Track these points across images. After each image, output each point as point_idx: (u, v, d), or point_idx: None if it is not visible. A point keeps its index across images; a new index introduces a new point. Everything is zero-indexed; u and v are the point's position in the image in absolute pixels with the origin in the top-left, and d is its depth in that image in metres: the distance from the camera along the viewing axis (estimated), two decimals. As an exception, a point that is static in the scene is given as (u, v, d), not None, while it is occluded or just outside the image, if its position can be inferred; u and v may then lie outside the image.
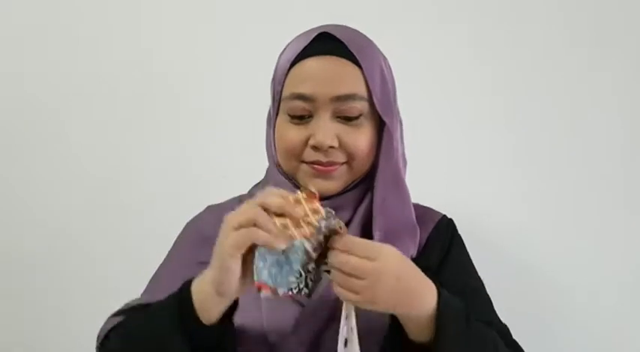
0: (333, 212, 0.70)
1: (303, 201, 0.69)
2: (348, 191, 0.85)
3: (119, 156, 1.41)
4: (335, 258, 0.67)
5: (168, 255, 0.93)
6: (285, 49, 0.87)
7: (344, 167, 0.83)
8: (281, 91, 0.84)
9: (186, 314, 0.71)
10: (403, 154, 0.89)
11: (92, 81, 1.43)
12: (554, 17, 1.34)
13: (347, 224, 0.84)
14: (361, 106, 0.81)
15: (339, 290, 0.67)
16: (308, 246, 0.68)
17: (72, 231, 1.43)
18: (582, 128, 1.33)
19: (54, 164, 1.44)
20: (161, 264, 0.92)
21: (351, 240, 0.68)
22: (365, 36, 0.87)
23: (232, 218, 0.68)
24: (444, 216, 0.93)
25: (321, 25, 0.86)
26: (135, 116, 1.42)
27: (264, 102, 0.90)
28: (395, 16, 1.35)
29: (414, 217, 0.86)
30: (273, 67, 0.88)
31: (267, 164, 0.92)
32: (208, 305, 0.71)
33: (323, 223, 0.68)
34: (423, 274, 0.72)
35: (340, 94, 0.80)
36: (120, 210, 1.41)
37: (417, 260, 0.84)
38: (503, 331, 0.83)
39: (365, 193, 0.86)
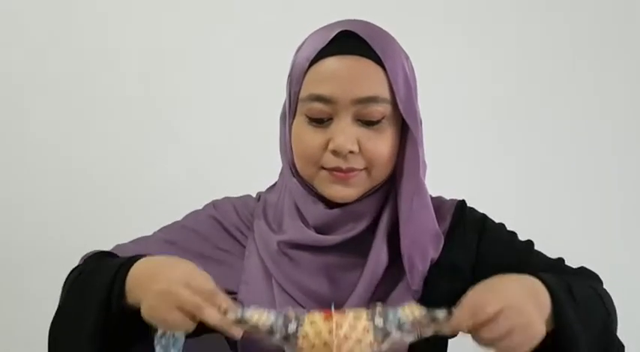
0: (377, 309, 0.66)
1: (321, 323, 0.63)
2: (366, 197, 0.81)
3: (120, 157, 1.42)
4: (476, 334, 0.66)
5: (183, 220, 0.90)
6: (302, 45, 0.82)
7: (363, 173, 0.79)
8: (299, 92, 0.79)
9: (113, 296, 0.71)
10: (423, 157, 0.84)
11: (93, 80, 1.43)
12: (552, 17, 1.35)
13: (372, 231, 0.81)
14: (384, 109, 0.77)
15: None
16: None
17: (71, 232, 1.43)
18: (579, 127, 1.35)
19: (55, 165, 1.44)
20: (173, 223, 0.90)
21: (469, 314, 0.65)
22: (387, 33, 0.82)
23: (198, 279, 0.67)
24: (456, 203, 0.89)
25: (340, 20, 0.81)
26: (134, 116, 1.43)
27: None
28: (394, 15, 1.36)
29: (436, 224, 0.82)
30: (288, 64, 0.83)
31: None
32: (132, 298, 0.70)
33: (392, 318, 0.65)
34: (527, 280, 0.71)
35: (362, 97, 0.76)
36: (121, 211, 1.42)
37: (439, 259, 0.82)
38: (568, 268, 0.84)
39: (385, 200, 0.82)
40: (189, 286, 0.65)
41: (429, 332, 0.65)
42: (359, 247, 0.81)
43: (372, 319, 0.64)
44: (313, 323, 0.63)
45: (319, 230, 0.81)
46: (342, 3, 1.26)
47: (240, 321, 0.64)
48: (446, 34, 1.41)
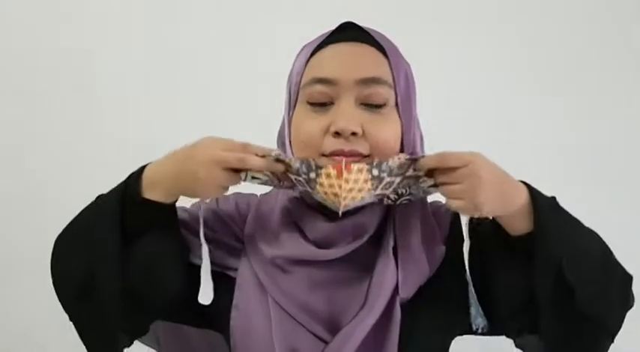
0: (374, 161, 0.72)
1: (334, 176, 0.71)
2: (368, 207, 0.77)
3: (122, 156, 1.40)
4: (437, 178, 0.71)
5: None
6: (304, 46, 0.80)
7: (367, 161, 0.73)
8: (300, 81, 0.77)
9: (130, 189, 0.73)
10: None
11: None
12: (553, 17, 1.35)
13: (373, 245, 0.77)
14: (387, 93, 0.74)
15: (449, 201, 0.70)
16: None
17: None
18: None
19: (55, 163, 1.44)
20: None
21: (437, 157, 0.70)
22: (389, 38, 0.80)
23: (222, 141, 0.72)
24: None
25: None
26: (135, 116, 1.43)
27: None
28: (394, 18, 1.36)
29: (437, 235, 0.80)
30: (289, 68, 0.81)
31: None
32: (157, 189, 0.73)
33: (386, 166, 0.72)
34: (511, 176, 0.73)
35: (365, 77, 0.73)
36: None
37: (440, 268, 0.78)
38: None
39: (387, 212, 0.79)
40: (225, 148, 0.71)
41: (410, 172, 0.73)
42: (360, 261, 0.77)
43: (371, 171, 0.72)
44: (328, 177, 0.71)
45: (318, 244, 0.77)
46: (342, 5, 1.27)
47: (277, 160, 0.73)
48: (445, 34, 1.41)
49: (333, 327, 0.75)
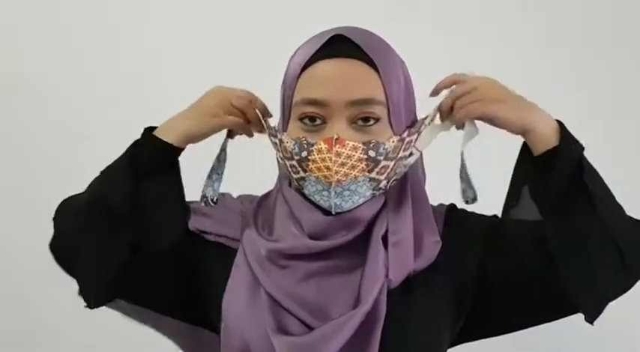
0: (371, 143, 0.75)
1: (326, 151, 0.74)
2: (365, 202, 0.80)
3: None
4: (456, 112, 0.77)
5: None
6: (295, 52, 0.81)
7: None
8: (292, 96, 0.78)
9: (143, 137, 0.81)
10: (422, 168, 0.85)
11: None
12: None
13: (364, 238, 0.79)
14: (379, 112, 0.76)
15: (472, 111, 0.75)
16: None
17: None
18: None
19: (54, 165, 1.47)
20: None
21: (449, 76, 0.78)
22: (381, 39, 0.81)
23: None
24: (447, 207, 0.88)
25: (333, 27, 0.81)
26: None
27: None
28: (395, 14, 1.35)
29: (436, 233, 0.82)
30: (283, 72, 0.83)
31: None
32: (168, 132, 0.81)
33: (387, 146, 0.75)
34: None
35: (356, 99, 0.75)
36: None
37: (437, 263, 0.80)
38: None
39: (382, 205, 0.81)
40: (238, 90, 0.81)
41: (401, 153, 0.77)
42: (353, 250, 0.79)
43: (367, 151, 0.75)
44: (319, 152, 0.75)
45: (313, 237, 0.80)
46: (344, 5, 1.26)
47: (271, 134, 0.81)
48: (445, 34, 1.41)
49: (321, 315, 0.76)
